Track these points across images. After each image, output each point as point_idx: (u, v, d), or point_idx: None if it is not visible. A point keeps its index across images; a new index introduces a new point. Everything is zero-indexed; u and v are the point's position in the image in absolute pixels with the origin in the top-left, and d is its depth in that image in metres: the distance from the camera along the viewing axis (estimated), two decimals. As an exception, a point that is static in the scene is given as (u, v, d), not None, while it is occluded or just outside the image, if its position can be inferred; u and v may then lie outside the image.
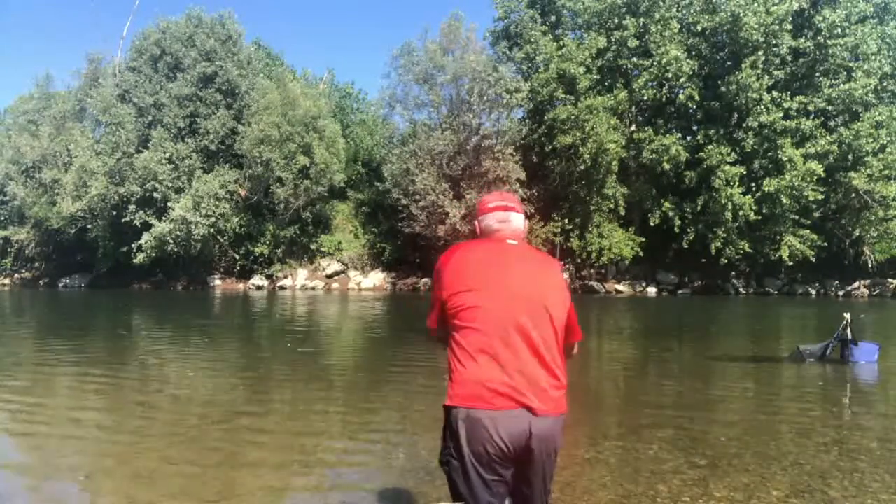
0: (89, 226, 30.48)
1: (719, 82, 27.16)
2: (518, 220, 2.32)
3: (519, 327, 2.06)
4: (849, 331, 8.89)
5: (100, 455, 4.77)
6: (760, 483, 4.01)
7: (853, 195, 26.59)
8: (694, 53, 27.95)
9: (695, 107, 28.56)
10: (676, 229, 27.38)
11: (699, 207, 27.08)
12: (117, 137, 29.85)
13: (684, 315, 18.88)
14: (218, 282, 30.93)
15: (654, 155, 27.14)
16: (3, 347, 10.81)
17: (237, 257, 30.94)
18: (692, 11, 28.45)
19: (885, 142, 25.91)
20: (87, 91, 33.45)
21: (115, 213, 29.82)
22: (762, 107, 26.05)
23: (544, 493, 2.17)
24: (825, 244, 27.16)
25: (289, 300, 23.72)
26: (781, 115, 26.10)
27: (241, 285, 30.78)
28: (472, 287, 2.10)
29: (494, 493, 2.05)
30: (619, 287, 28.71)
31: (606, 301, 24.29)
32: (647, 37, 27.71)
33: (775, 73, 26.55)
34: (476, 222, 2.39)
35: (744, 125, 26.88)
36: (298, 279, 30.83)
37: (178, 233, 28.20)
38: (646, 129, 28.57)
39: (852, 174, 25.97)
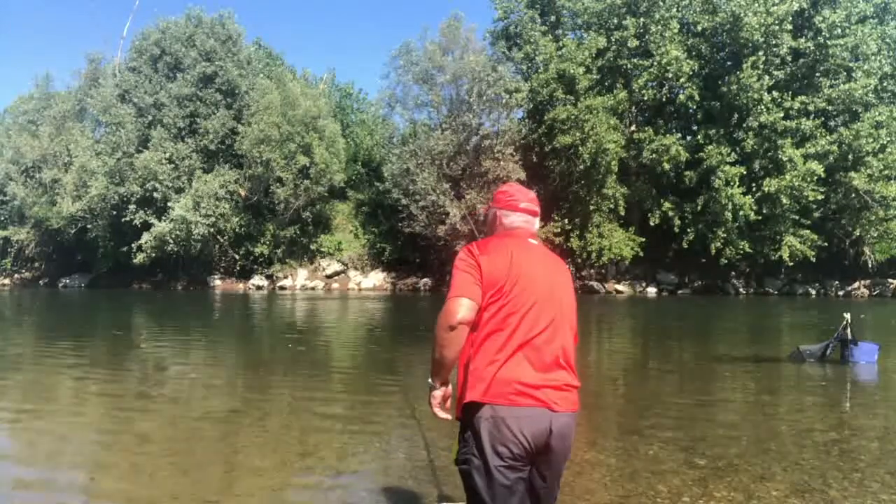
0: (89, 226, 30.47)
1: (719, 82, 27.15)
2: (537, 222, 2.41)
3: (546, 328, 2.12)
4: (849, 331, 8.89)
5: (100, 455, 4.77)
6: (760, 483, 4.01)
7: (853, 195, 26.57)
8: (694, 53, 27.93)
9: (695, 107, 28.55)
10: (676, 229, 27.37)
11: (699, 207, 27.06)
12: (117, 137, 29.85)
13: (684, 315, 18.88)
14: (218, 282, 30.92)
15: (654, 155, 27.14)
16: (3, 347, 10.81)
17: (237, 257, 30.93)
18: (692, 11, 28.44)
19: (885, 142, 25.89)
20: (87, 91, 33.45)
21: (115, 213, 29.81)
22: (762, 107, 26.04)
23: (556, 488, 2.21)
24: (825, 244, 27.15)
25: (289, 300, 23.71)
26: (782, 115, 26.09)
27: (240, 285, 30.77)
28: (504, 286, 2.12)
29: (514, 492, 2.07)
30: (619, 287, 28.70)
31: (606, 301, 24.29)
32: (647, 37, 27.69)
33: (775, 73, 26.53)
34: (497, 212, 2.38)
35: (744, 125, 26.86)
36: (298, 279, 30.83)
37: (178, 233, 28.20)
38: (646, 129, 28.56)
39: (852, 174, 25.95)
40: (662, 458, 4.53)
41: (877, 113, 26.01)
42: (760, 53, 26.06)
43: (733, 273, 29.02)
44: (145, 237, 28.49)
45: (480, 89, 27.81)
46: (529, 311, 2.11)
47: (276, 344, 11.92)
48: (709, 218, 26.99)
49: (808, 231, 26.86)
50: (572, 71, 27.15)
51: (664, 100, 28.97)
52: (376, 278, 30.87)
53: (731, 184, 26.24)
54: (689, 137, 29.15)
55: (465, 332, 2.07)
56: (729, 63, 27.96)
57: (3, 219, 35.38)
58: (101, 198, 29.32)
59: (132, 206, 29.02)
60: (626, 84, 28.62)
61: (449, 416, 2.24)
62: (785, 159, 25.92)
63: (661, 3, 27.65)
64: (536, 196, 2.47)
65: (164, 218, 28.45)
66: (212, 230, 28.99)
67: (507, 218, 2.35)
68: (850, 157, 26.27)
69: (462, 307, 2.06)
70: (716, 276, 28.78)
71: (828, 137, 26.32)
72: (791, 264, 27.37)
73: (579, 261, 28.16)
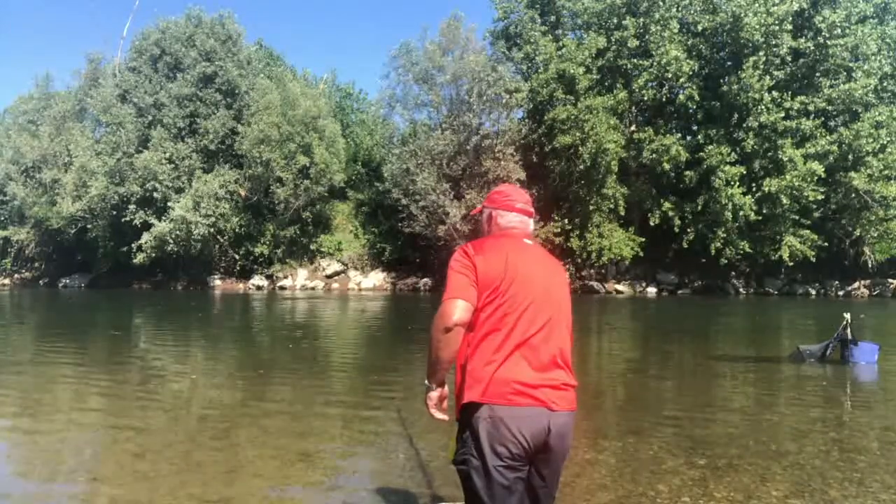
0: (89, 226, 30.47)
1: (720, 82, 27.14)
2: (532, 223, 2.41)
3: (543, 328, 2.12)
4: (849, 331, 8.89)
5: (100, 455, 4.77)
6: (760, 483, 4.01)
7: (853, 195, 26.55)
8: (694, 53, 27.91)
9: (695, 107, 28.52)
10: (676, 229, 27.34)
11: (699, 207, 27.04)
12: (117, 137, 29.83)
13: (684, 315, 18.87)
14: (218, 282, 30.91)
15: (654, 155, 27.13)
16: (3, 348, 10.81)
17: (237, 257, 30.93)
18: (692, 11, 28.43)
19: (885, 142, 25.87)
20: (87, 91, 33.45)
21: (115, 213, 29.80)
22: (762, 107, 26.02)
23: (555, 488, 2.22)
24: (825, 244, 27.12)
25: (288, 300, 23.71)
26: (782, 115, 26.07)
27: (240, 285, 30.77)
28: (500, 286, 2.12)
29: (513, 492, 2.07)
30: (619, 287, 28.68)
31: (606, 301, 24.28)
32: (646, 37, 27.67)
33: (775, 73, 26.51)
34: (493, 212, 2.39)
35: (744, 125, 26.84)
36: (298, 279, 30.82)
37: (178, 233, 28.19)
38: (646, 129, 28.54)
39: (852, 174, 25.94)
40: (662, 458, 4.53)
41: (877, 113, 25.99)
42: (760, 53, 26.04)
43: (733, 273, 29.01)
44: (145, 237, 28.48)
45: (480, 89, 27.80)
46: (526, 310, 2.11)
47: (276, 344, 11.91)
48: (709, 218, 26.97)
49: (808, 231, 26.84)
50: (572, 71, 27.13)
51: (664, 100, 28.95)
52: (376, 278, 30.86)
53: (731, 184, 26.23)
54: (689, 137, 29.12)
55: (461, 333, 2.08)
56: (729, 63, 27.94)
57: (3, 219, 35.39)
58: (101, 198, 29.30)
59: (132, 206, 29.00)
60: (626, 84, 28.60)
61: (446, 417, 2.25)
62: (785, 159, 25.91)
63: (661, 3, 27.62)
64: (535, 196, 2.49)
65: (164, 218, 28.44)
66: (212, 230, 28.98)
67: (503, 218, 2.36)
68: (850, 157, 26.26)
69: (457, 309, 2.06)
70: (716, 276, 28.76)
71: (828, 137, 26.30)
72: (791, 264, 27.35)
73: (579, 261, 28.15)
